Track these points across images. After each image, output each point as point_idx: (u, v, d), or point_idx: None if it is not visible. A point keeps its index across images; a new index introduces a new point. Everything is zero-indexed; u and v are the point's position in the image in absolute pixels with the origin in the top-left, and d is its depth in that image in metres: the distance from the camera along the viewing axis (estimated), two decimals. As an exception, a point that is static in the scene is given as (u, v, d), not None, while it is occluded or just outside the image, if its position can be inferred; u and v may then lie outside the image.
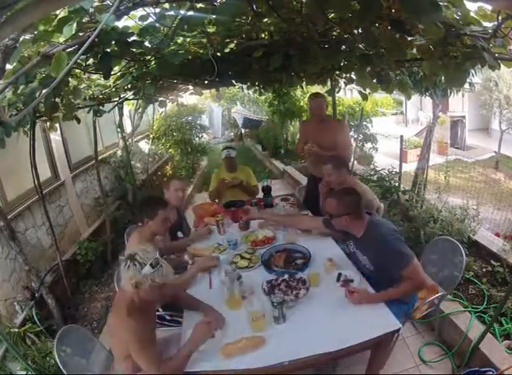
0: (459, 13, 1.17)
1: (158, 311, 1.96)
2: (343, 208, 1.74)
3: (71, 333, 1.68)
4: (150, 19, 1.29)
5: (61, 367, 1.49)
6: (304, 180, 4.65)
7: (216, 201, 3.24)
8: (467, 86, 3.09)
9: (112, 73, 1.88)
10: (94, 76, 2.34)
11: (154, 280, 1.33)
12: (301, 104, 6.30)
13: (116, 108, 3.63)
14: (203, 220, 2.80)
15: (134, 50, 1.52)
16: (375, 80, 1.96)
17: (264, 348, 1.47)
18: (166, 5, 1.25)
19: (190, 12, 1.26)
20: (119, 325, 1.42)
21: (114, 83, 2.44)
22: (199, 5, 1.23)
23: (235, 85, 3.94)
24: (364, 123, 5.65)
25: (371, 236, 1.74)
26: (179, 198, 2.55)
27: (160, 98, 3.97)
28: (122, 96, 3.25)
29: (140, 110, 4.68)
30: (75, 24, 1.12)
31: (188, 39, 1.70)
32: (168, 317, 2.00)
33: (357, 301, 1.64)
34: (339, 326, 1.55)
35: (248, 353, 1.44)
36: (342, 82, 3.22)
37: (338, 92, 4.04)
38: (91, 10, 1.14)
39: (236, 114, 11.03)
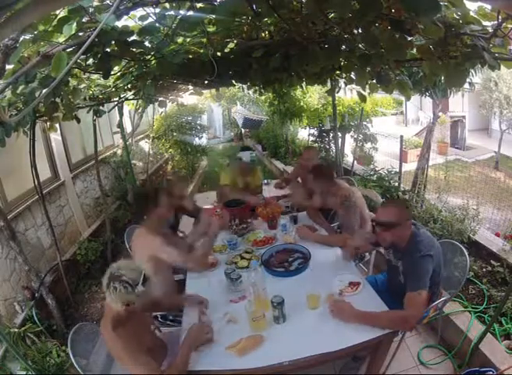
0: (459, 13, 1.17)
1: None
2: (400, 217, 1.64)
3: (83, 331, 1.69)
4: (150, 19, 1.29)
5: (76, 366, 1.50)
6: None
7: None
8: (467, 86, 3.08)
9: (112, 73, 1.88)
10: (94, 76, 2.34)
11: (146, 296, 1.34)
12: (301, 104, 6.30)
13: (116, 108, 3.63)
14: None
15: (134, 50, 1.52)
16: (374, 80, 1.96)
17: (264, 348, 1.47)
18: (166, 5, 1.25)
19: (190, 12, 1.26)
20: (109, 341, 1.38)
21: (114, 83, 2.44)
22: (199, 5, 1.23)
23: (235, 85, 3.94)
24: (364, 123, 5.64)
25: (410, 249, 1.66)
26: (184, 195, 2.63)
27: (160, 98, 3.98)
28: (122, 96, 3.25)
29: (140, 110, 4.69)
30: (75, 24, 1.13)
31: (188, 39, 1.69)
32: (171, 317, 2.00)
33: (335, 315, 1.58)
34: (339, 326, 1.55)
35: (249, 354, 1.44)
36: (342, 82, 3.22)
37: (338, 92, 4.04)
38: (91, 10, 1.14)
39: (236, 114, 11.03)
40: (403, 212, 1.67)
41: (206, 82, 3.09)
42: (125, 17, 1.23)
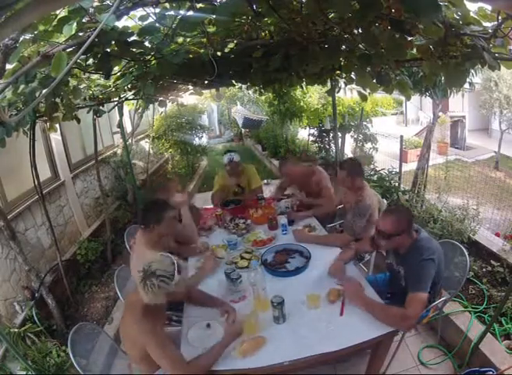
0: (459, 13, 1.17)
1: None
2: (402, 226, 1.63)
3: (83, 331, 1.69)
4: (150, 19, 1.28)
5: (76, 366, 1.50)
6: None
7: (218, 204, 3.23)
8: (467, 86, 3.09)
9: (112, 73, 1.88)
10: (94, 76, 2.34)
11: (183, 283, 1.39)
12: (301, 104, 6.30)
13: (116, 108, 3.63)
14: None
15: (134, 50, 1.52)
16: (374, 80, 1.96)
17: (264, 348, 1.47)
18: (166, 5, 1.25)
19: (190, 12, 1.26)
20: (135, 329, 1.40)
21: (114, 83, 2.44)
22: (199, 5, 1.23)
23: (235, 85, 3.94)
24: (364, 123, 5.64)
25: (412, 254, 1.66)
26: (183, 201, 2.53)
27: (160, 98, 3.97)
28: (122, 96, 3.24)
29: (140, 110, 4.69)
30: (75, 24, 1.13)
31: (188, 39, 1.69)
32: (174, 317, 1.99)
33: (346, 291, 1.67)
34: (339, 326, 1.55)
35: (251, 356, 1.44)
36: (342, 82, 3.22)
37: (338, 92, 4.04)
38: (91, 10, 1.14)
39: (236, 114, 11.01)
40: (405, 222, 1.65)
41: (206, 82, 3.09)
42: (125, 17, 1.23)
